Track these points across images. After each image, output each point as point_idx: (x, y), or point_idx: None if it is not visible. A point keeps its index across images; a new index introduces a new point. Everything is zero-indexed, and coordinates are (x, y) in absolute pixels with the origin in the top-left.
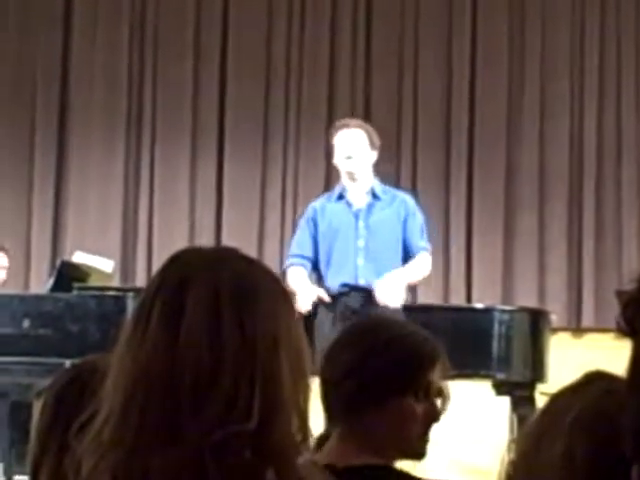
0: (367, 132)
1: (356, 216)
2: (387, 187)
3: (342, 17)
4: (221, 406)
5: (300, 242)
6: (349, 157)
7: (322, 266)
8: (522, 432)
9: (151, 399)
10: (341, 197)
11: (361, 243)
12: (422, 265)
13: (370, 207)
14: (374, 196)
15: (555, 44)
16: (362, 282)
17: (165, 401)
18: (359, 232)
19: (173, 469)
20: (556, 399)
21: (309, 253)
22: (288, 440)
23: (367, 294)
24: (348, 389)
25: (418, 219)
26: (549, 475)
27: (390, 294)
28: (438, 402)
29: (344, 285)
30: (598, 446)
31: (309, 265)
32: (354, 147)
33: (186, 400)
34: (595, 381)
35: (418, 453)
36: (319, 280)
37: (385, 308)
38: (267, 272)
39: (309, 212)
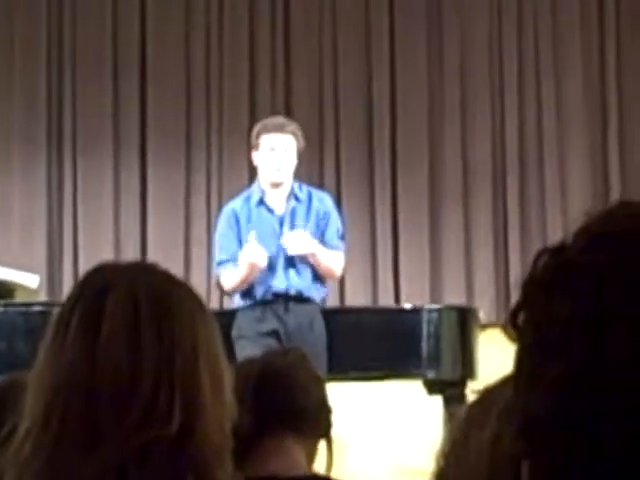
0: (297, 139)
1: (280, 223)
2: (302, 184)
3: (260, 20)
4: (141, 412)
5: (226, 247)
6: (279, 169)
7: None
8: (453, 423)
9: (71, 407)
10: (261, 202)
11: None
12: (335, 259)
13: (293, 212)
14: (296, 198)
15: (473, 41)
16: (289, 289)
17: (85, 409)
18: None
19: (94, 475)
20: (487, 391)
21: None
22: (208, 446)
23: (295, 301)
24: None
25: (335, 219)
26: (477, 462)
27: (296, 243)
28: None
29: (274, 294)
30: None
31: None
32: (285, 159)
33: (106, 407)
34: None
35: None
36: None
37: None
38: (184, 285)
39: (228, 213)
